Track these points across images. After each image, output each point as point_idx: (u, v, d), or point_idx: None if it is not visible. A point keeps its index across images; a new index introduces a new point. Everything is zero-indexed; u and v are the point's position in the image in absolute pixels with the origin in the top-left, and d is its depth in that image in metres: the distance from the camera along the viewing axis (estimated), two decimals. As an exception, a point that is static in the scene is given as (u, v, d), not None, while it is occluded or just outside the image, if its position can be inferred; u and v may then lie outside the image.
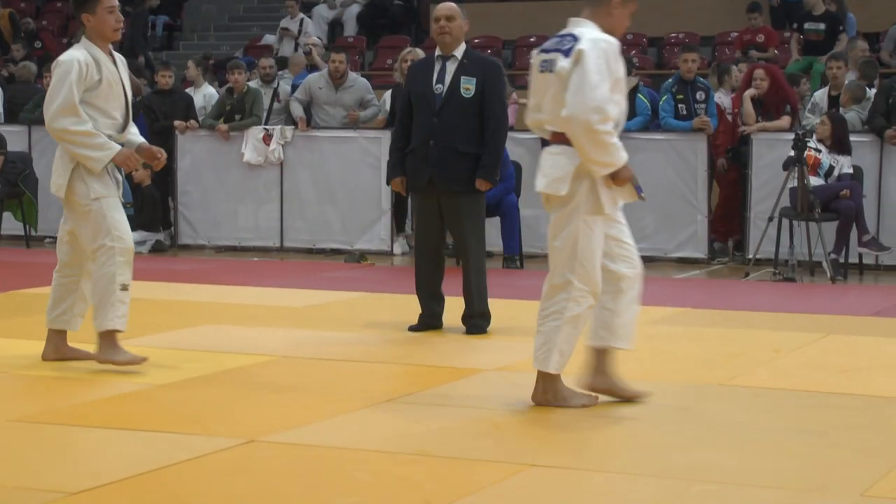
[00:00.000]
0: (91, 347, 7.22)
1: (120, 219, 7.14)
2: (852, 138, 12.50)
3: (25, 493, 4.95)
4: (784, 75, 14.55)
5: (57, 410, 6.38)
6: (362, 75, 15.56)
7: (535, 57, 6.43)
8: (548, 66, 6.28)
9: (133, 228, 13.65)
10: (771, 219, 12.09)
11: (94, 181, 7.10)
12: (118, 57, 7.36)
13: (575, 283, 6.17)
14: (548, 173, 6.29)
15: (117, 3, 7.24)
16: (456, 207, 8.52)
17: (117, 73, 7.23)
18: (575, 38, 6.18)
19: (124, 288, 7.06)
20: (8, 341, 8.13)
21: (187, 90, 15.33)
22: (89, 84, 7.06)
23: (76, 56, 7.08)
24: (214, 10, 22.11)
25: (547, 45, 6.38)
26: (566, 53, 6.17)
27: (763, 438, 5.86)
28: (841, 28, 15.94)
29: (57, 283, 7.35)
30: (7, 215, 14.44)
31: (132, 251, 7.19)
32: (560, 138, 6.27)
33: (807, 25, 16.02)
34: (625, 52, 15.94)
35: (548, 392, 6.32)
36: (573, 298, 6.18)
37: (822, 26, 15.93)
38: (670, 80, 13.57)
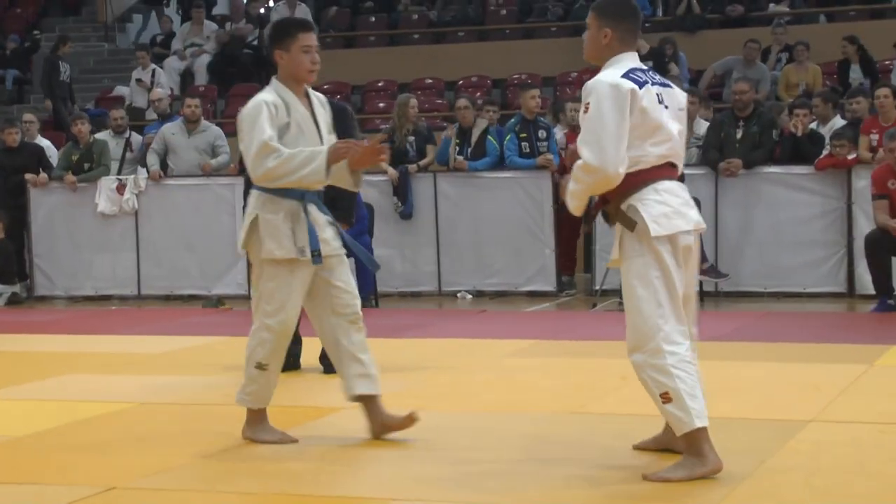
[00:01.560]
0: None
1: (279, 293, 6.43)
2: (688, 171, 12.73)
3: None
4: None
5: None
6: (216, 122, 15.45)
7: (644, 91, 5.55)
8: (664, 100, 5.65)
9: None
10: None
11: (267, 238, 6.36)
12: (318, 98, 6.64)
13: None
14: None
15: (315, 42, 6.51)
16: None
17: (310, 115, 6.48)
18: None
19: (260, 367, 6.39)
20: None
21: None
22: (278, 127, 6.30)
23: (263, 98, 6.35)
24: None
25: (643, 77, 5.63)
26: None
27: (613, 461, 5.91)
28: (667, 60, 16.19)
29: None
30: None
31: (284, 332, 6.42)
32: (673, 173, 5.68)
33: (639, 64, 16.33)
34: (470, 94, 16.25)
35: None
36: None
37: (649, 63, 16.24)
38: (513, 119, 13.69)
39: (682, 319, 5.53)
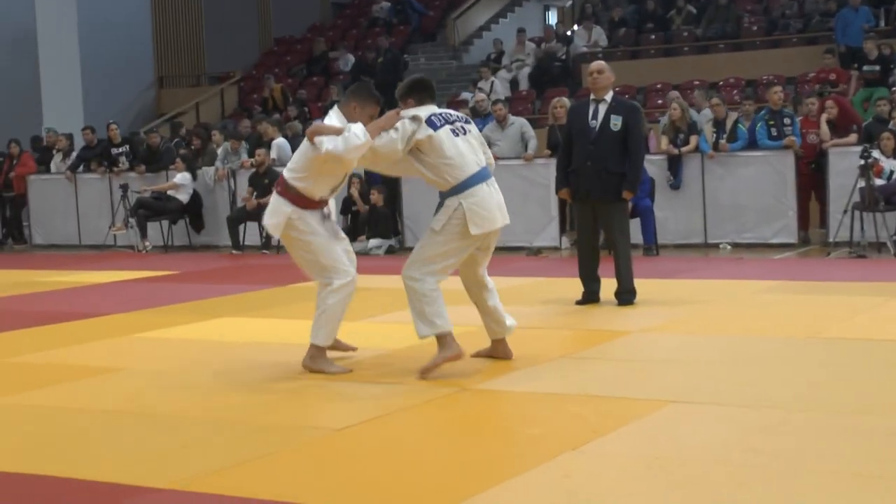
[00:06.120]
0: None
1: None
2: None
3: (304, 430, 5.03)
4: (849, 103, 14.06)
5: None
6: (532, 118, 15.44)
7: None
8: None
9: (371, 236, 14.06)
10: (846, 211, 11.73)
11: None
12: None
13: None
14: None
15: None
16: (607, 212, 8.41)
17: None
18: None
19: None
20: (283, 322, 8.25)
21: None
22: None
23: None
24: (424, 76, 22.22)
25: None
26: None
27: (840, 376, 5.65)
28: (892, 67, 15.37)
29: None
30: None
31: None
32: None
33: (865, 67, 15.47)
34: (727, 92, 15.79)
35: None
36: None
37: (876, 68, 15.36)
38: (763, 111, 13.24)
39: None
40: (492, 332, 6.40)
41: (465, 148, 6.07)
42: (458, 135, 6.08)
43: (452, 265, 6.15)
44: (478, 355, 6.45)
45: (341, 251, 6.29)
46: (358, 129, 5.94)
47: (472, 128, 6.24)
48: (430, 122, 6.01)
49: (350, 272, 6.25)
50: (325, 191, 6.26)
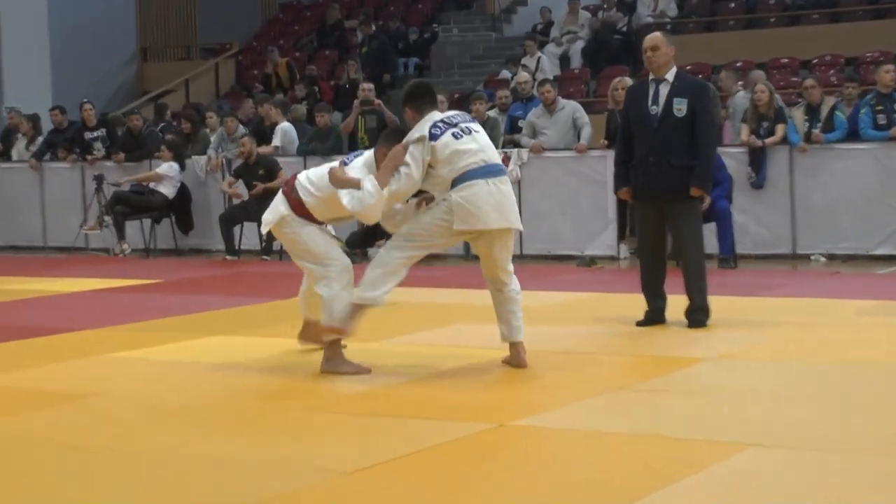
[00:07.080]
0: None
1: None
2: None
3: (308, 471, 5.02)
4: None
5: (337, 400, 6.47)
6: (587, 101, 15.43)
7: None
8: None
9: (393, 241, 14.07)
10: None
11: None
12: None
13: None
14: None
15: None
16: (674, 213, 8.39)
17: None
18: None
19: None
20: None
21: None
22: None
23: None
24: (457, 50, 22.31)
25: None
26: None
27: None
28: None
29: None
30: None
31: None
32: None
33: None
34: (823, 72, 15.65)
35: None
36: None
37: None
38: (870, 94, 13.15)
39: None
40: (501, 335, 7.09)
41: (467, 146, 6.80)
42: (459, 137, 6.82)
43: (425, 248, 6.96)
44: (505, 363, 7.13)
45: (335, 245, 7.15)
46: (369, 185, 6.68)
47: (478, 127, 7.01)
48: (431, 136, 6.77)
49: (344, 260, 7.04)
50: (326, 216, 7.08)
